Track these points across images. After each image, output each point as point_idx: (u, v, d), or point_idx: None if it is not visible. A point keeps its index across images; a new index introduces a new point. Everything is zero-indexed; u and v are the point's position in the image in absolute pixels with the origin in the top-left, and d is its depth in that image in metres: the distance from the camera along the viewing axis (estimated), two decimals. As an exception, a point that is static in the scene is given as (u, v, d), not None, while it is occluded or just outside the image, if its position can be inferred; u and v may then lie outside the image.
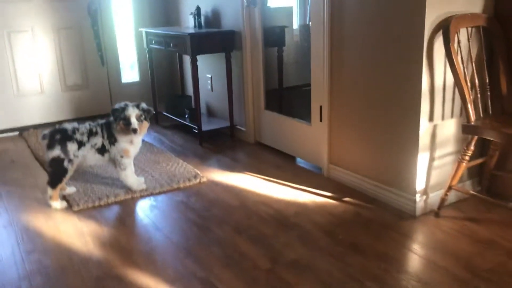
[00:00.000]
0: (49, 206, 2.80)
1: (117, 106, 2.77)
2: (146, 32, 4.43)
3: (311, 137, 3.22)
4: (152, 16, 4.92)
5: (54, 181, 2.77)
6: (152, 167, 3.34)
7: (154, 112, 4.62)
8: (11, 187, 3.15)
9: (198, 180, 3.11)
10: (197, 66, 3.75)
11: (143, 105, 2.81)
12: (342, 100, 2.89)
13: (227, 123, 4.06)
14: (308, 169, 3.30)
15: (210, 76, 4.29)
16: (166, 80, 5.06)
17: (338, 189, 2.93)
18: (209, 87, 4.34)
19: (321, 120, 3.07)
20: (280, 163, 3.42)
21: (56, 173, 2.75)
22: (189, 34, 3.69)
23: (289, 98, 4.15)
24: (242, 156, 3.63)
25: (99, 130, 2.81)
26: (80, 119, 4.66)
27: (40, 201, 2.90)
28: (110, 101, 4.85)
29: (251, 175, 3.21)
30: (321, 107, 3.05)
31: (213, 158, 3.59)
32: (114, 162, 2.88)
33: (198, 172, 3.23)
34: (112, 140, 2.82)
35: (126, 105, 2.76)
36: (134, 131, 2.72)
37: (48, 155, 2.73)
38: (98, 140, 2.80)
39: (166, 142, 4.04)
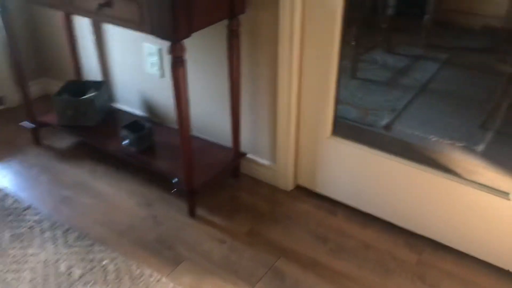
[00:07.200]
0: None
1: None
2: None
3: (501, 223, 1.47)
4: None
5: None
6: None
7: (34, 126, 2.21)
8: None
9: None
10: (184, 63, 1.52)
11: None
12: None
13: (222, 151, 1.99)
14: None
15: (157, 48, 2.03)
16: (33, 56, 2.53)
17: None
18: (154, 69, 2.10)
19: None
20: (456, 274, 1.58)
21: None
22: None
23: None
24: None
25: None
26: None
27: None
28: None
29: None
30: None
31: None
32: None
33: None
34: None
35: None
36: None
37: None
38: None
39: (85, 203, 1.83)
